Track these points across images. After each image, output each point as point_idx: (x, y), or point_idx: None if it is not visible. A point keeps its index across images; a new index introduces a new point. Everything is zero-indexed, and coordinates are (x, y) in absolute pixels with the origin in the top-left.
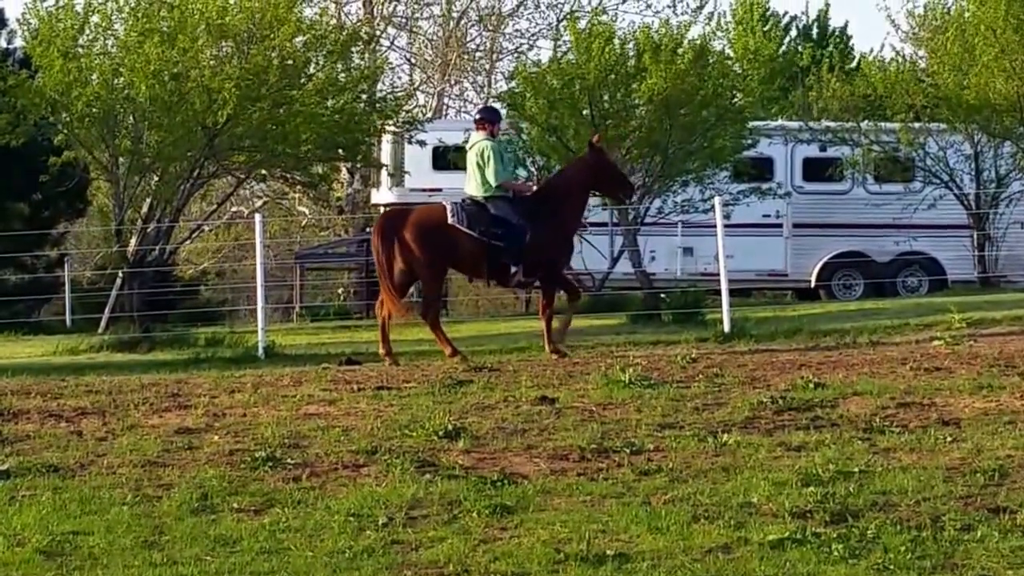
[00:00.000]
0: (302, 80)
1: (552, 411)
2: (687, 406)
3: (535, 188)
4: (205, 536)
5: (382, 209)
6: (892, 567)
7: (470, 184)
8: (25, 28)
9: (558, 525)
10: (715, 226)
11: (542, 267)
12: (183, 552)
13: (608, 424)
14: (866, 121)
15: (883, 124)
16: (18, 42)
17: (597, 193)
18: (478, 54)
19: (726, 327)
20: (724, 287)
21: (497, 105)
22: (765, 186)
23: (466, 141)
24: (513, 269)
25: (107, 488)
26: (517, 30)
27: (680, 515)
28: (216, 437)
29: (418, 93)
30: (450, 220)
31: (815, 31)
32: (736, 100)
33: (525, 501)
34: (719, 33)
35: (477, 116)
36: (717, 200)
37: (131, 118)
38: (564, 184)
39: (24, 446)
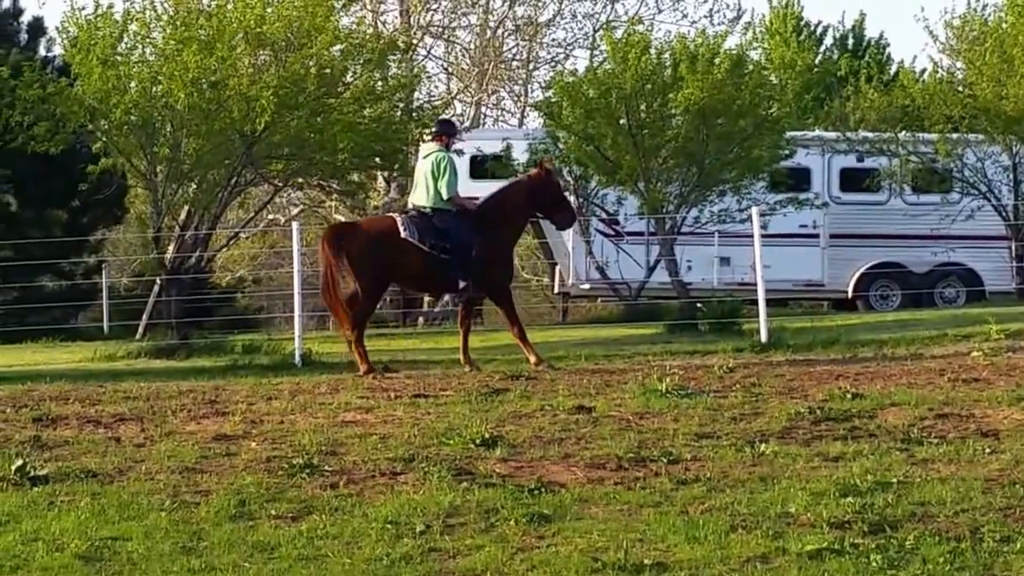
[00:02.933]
0: (340, 89)
1: (589, 420)
2: (724, 416)
3: (478, 206)
4: (243, 542)
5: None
6: None
7: (417, 194)
8: (64, 36)
9: (595, 534)
10: (752, 236)
11: (487, 284)
12: (221, 558)
13: (645, 433)
14: (904, 132)
15: (921, 135)
16: (57, 50)
17: (539, 215)
18: (515, 63)
19: (763, 337)
20: (761, 297)
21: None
22: (802, 196)
23: (504, 150)
24: (462, 284)
25: (145, 494)
26: (554, 40)
27: (718, 524)
28: (254, 444)
29: (455, 102)
30: (402, 234)
31: (851, 41)
32: (772, 110)
33: (562, 510)
34: (756, 43)
35: (434, 129)
36: (754, 210)
37: (169, 126)
38: (505, 202)
39: (63, 452)
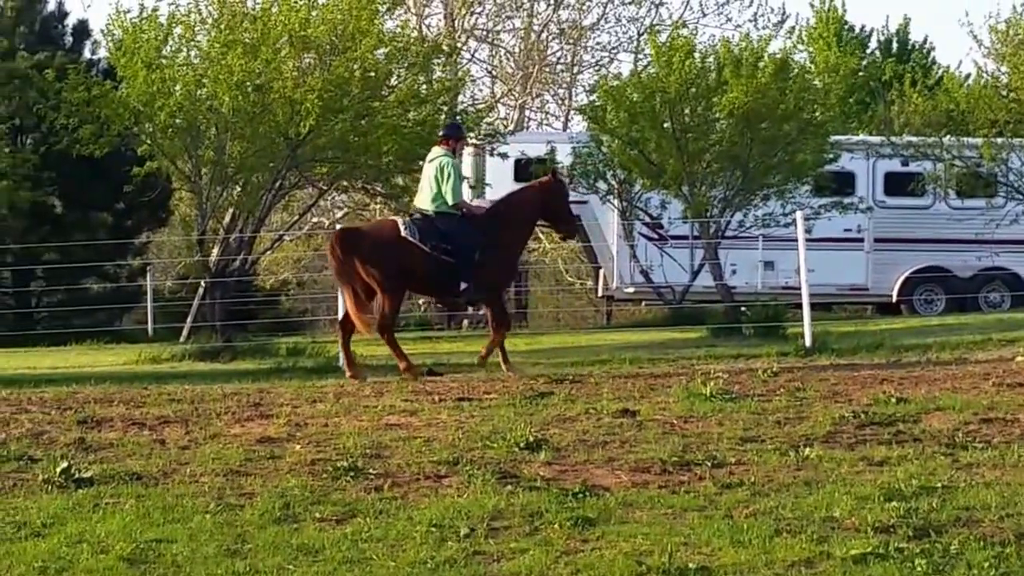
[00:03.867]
0: (384, 92)
1: (633, 424)
2: (769, 420)
3: (486, 210)
4: (287, 545)
5: None
6: None
7: (422, 197)
8: (109, 39)
9: (640, 538)
10: (796, 240)
11: (488, 288)
12: (265, 561)
13: (689, 437)
14: (948, 136)
15: (965, 139)
16: (102, 53)
17: (545, 223)
18: (559, 67)
19: (807, 341)
20: (805, 301)
21: (578, 121)
22: (846, 200)
23: (548, 154)
24: (463, 286)
25: (190, 496)
26: (598, 43)
27: (762, 529)
28: (298, 447)
29: (499, 105)
30: (403, 233)
31: (895, 45)
32: (817, 114)
33: (607, 513)
34: (800, 47)
35: (441, 132)
36: (799, 214)
37: (214, 129)
38: (514, 208)
39: (108, 454)
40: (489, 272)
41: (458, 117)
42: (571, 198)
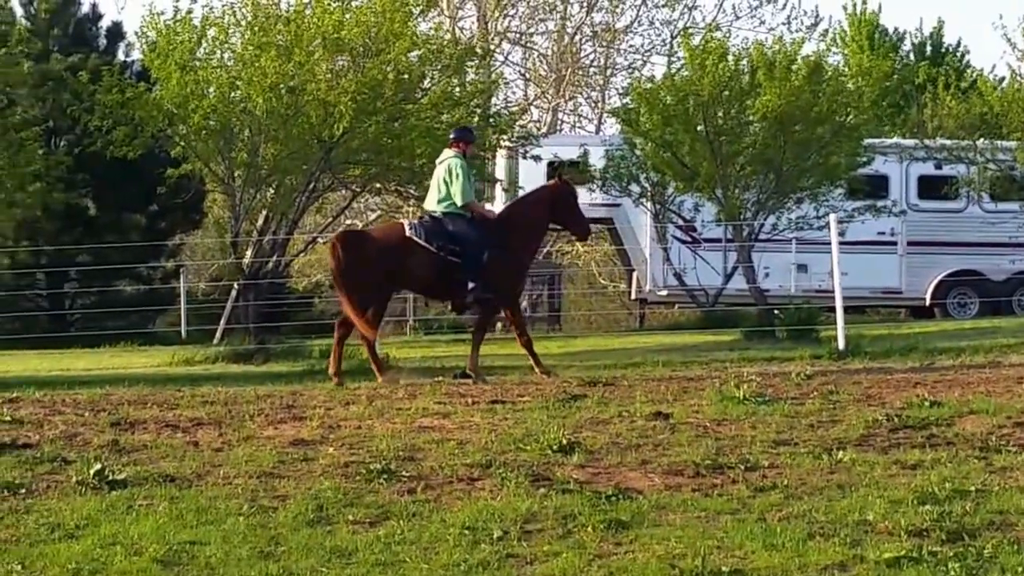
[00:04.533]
0: (417, 94)
1: (666, 426)
2: (802, 423)
3: (496, 214)
4: (321, 548)
5: None
6: None
7: (430, 199)
8: (143, 41)
9: (673, 541)
10: (830, 243)
11: (497, 289)
12: (299, 563)
13: (723, 440)
14: (982, 139)
15: (999, 143)
16: (136, 55)
17: (556, 226)
18: (592, 69)
19: (841, 344)
20: (839, 304)
21: (611, 124)
22: (880, 204)
23: (581, 156)
24: (470, 285)
25: (223, 499)
26: (631, 46)
27: (795, 532)
28: (331, 449)
29: (532, 108)
30: (407, 233)
31: (929, 48)
32: (850, 117)
33: (640, 516)
34: (833, 50)
35: (451, 135)
36: (832, 217)
37: (247, 131)
38: (523, 212)
39: (141, 456)
40: (496, 273)
41: (491, 120)
42: (604, 201)
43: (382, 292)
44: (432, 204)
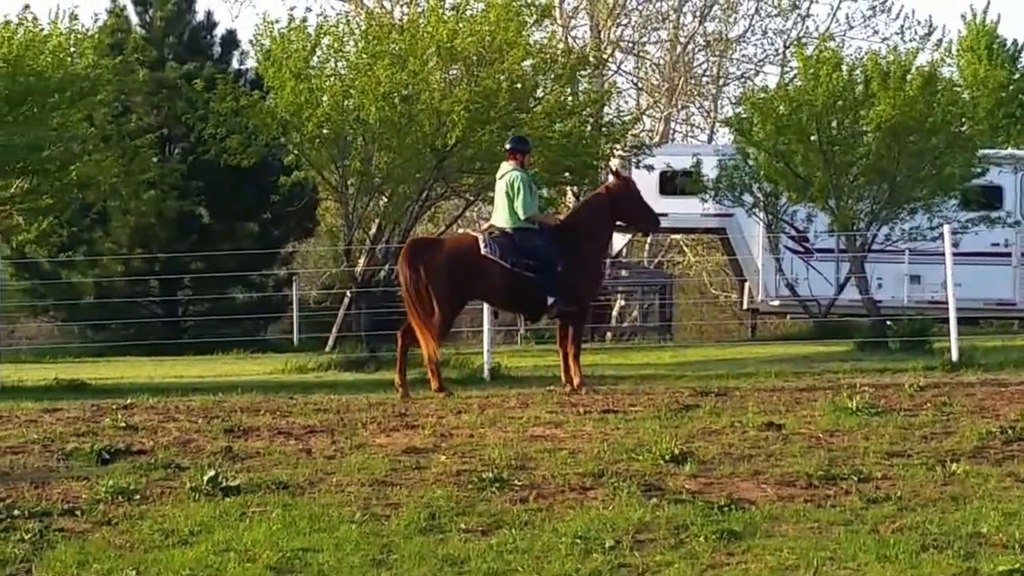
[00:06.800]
0: (530, 103)
1: (779, 437)
2: (915, 435)
3: (561, 219)
4: (433, 556)
5: None
6: None
7: (498, 215)
8: (257, 49)
9: (785, 552)
10: (943, 254)
11: (575, 300)
12: (411, 571)
13: (835, 451)
14: None
15: None
16: (250, 63)
17: (622, 224)
18: (704, 79)
19: (954, 356)
20: (952, 315)
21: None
22: (994, 215)
23: (694, 166)
24: (550, 300)
25: (336, 506)
26: (744, 55)
27: (909, 544)
28: (443, 457)
29: (644, 117)
30: (483, 251)
31: None
32: (965, 128)
33: (752, 527)
34: (948, 60)
35: (508, 146)
36: (946, 228)
37: (361, 139)
38: (586, 217)
39: (254, 463)
40: (574, 284)
41: (603, 129)
42: (717, 211)
43: (452, 304)
44: (500, 220)
